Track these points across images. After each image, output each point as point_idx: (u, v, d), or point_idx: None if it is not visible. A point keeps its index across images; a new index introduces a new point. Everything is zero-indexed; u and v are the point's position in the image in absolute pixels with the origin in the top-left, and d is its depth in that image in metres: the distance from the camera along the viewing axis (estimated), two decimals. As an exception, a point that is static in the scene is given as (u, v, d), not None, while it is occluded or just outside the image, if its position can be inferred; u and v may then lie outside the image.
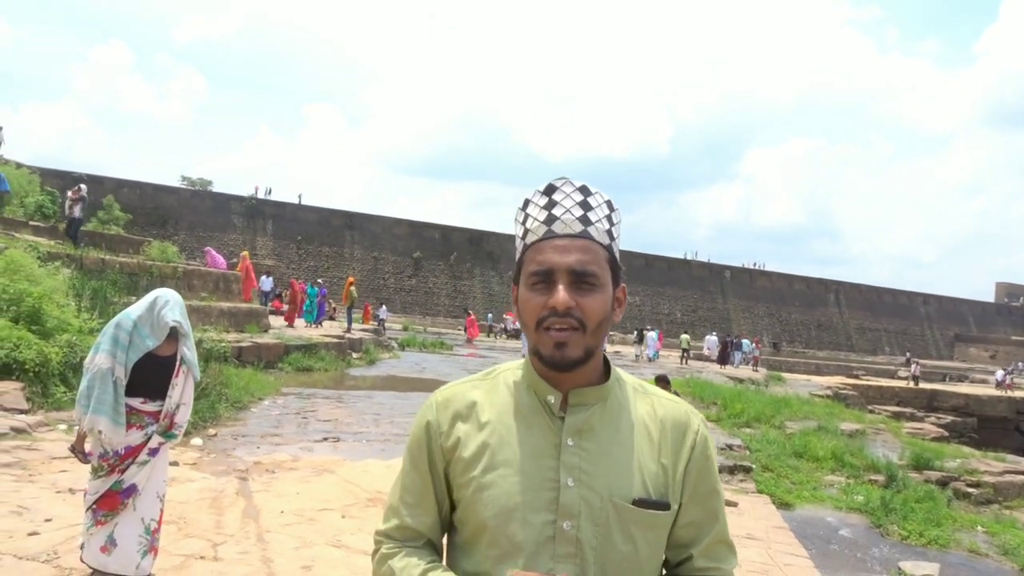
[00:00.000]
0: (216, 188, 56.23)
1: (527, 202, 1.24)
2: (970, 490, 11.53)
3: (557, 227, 1.18)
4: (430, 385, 16.95)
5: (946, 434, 20.07)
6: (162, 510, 3.90)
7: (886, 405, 25.58)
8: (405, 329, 35.60)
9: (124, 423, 3.68)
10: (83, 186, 18.40)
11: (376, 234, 56.45)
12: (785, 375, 30.10)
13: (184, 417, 3.89)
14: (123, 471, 3.72)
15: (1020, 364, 60.22)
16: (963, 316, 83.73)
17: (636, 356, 30.75)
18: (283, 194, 63.50)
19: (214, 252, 21.78)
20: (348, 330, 23.09)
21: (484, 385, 1.28)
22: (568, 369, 1.16)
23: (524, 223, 1.23)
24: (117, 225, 26.54)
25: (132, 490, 3.74)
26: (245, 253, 21.89)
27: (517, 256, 1.25)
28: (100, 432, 3.66)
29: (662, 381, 8.66)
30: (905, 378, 32.84)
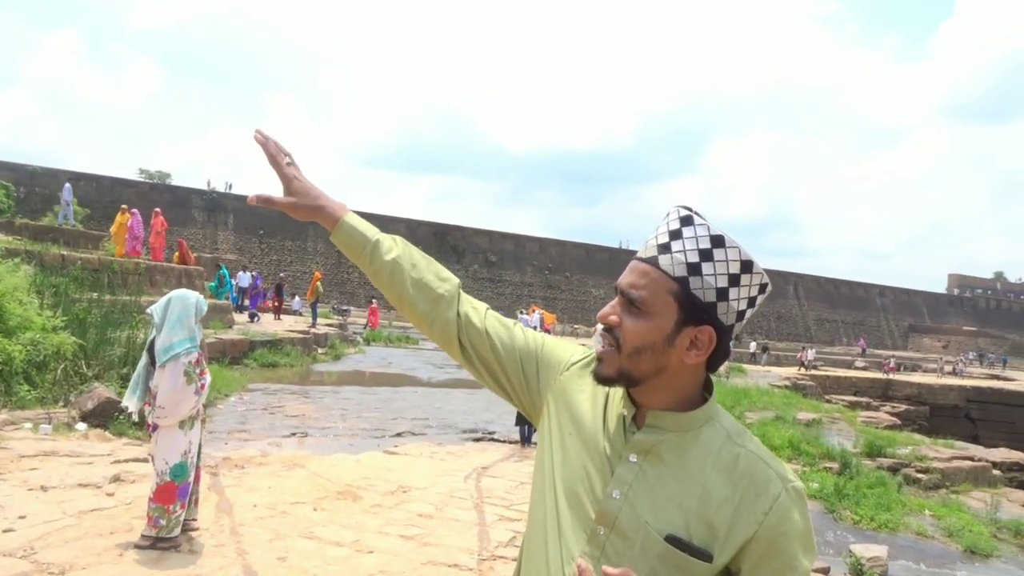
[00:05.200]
0: (174, 181, 55.43)
1: None
2: (920, 476, 11.96)
3: (641, 250, 1.22)
4: (396, 380, 17.04)
5: (899, 422, 20.67)
6: (161, 486, 4.44)
7: (843, 395, 26.25)
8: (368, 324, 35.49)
9: (141, 397, 4.58)
10: None
11: (340, 228, 56.09)
12: (746, 367, 30.68)
13: (159, 400, 4.44)
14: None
15: (971, 354, 62.06)
16: (917, 307, 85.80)
17: None
18: (244, 187, 62.61)
19: (139, 215, 18.91)
20: (313, 325, 23.04)
21: None
22: (603, 383, 1.21)
23: None
24: (75, 220, 26.06)
25: (152, 459, 4.57)
26: (158, 210, 20.76)
27: None
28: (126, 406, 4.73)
29: None
30: (804, 365, 33.79)
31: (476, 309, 1.40)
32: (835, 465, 10.99)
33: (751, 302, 1.19)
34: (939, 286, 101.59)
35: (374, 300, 34.60)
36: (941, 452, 13.65)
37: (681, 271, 1.15)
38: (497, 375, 1.38)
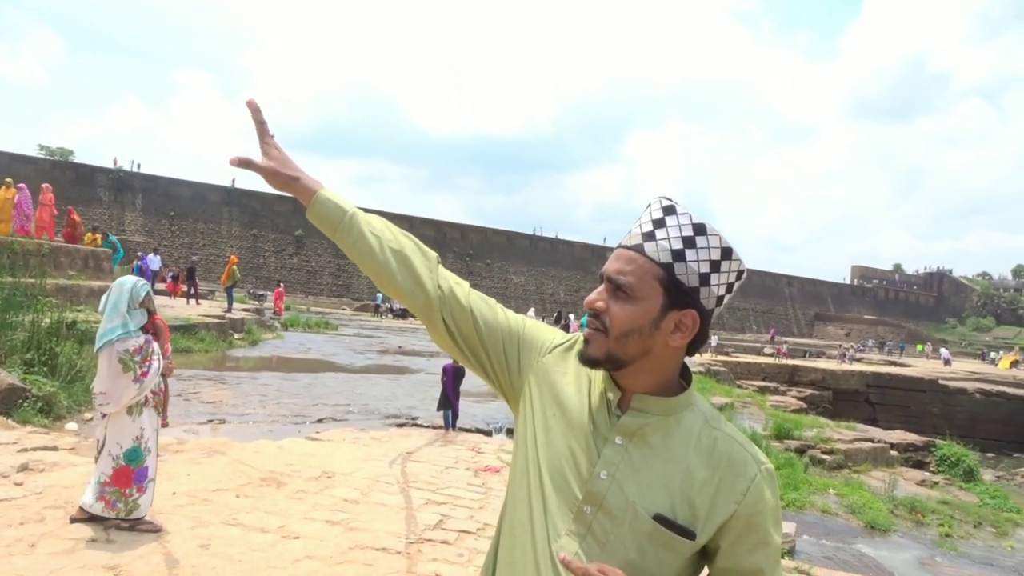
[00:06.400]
0: (78, 158, 52.81)
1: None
2: (824, 457, 12.57)
3: (625, 238, 1.26)
4: (316, 365, 16.77)
5: (805, 406, 21.62)
6: (117, 469, 4.45)
7: (753, 380, 27.23)
8: (288, 309, 34.80)
9: None
10: None
11: (256, 211, 54.67)
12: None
13: (96, 386, 4.50)
14: None
15: (870, 341, 65.29)
16: (822, 297, 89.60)
17: None
18: (153, 167, 60.33)
19: (27, 191, 17.49)
20: (229, 310, 22.43)
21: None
22: (589, 365, 1.24)
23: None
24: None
25: (99, 443, 4.57)
26: (46, 185, 19.41)
27: None
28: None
29: None
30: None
31: (460, 284, 1.42)
32: (747, 447, 11.45)
33: (729, 288, 1.26)
34: (843, 276, 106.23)
35: (280, 284, 33.67)
36: (844, 434, 14.36)
37: (666, 257, 1.21)
38: (479, 353, 1.39)
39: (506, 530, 1.31)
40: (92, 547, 4.25)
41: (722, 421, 1.28)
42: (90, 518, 4.50)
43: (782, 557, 6.55)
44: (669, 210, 1.23)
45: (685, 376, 1.30)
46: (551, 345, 1.38)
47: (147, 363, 4.54)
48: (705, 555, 1.25)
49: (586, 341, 1.23)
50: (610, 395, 1.26)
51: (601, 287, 1.24)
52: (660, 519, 1.18)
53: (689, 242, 1.21)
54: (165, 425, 5.09)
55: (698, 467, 1.21)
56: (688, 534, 1.18)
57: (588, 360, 1.23)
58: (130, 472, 4.49)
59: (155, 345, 4.69)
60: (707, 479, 1.20)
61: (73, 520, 4.52)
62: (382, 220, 1.42)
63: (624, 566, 1.17)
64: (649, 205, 1.27)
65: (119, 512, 4.46)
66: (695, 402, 1.28)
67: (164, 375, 4.88)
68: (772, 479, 1.25)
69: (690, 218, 1.22)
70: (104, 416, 4.53)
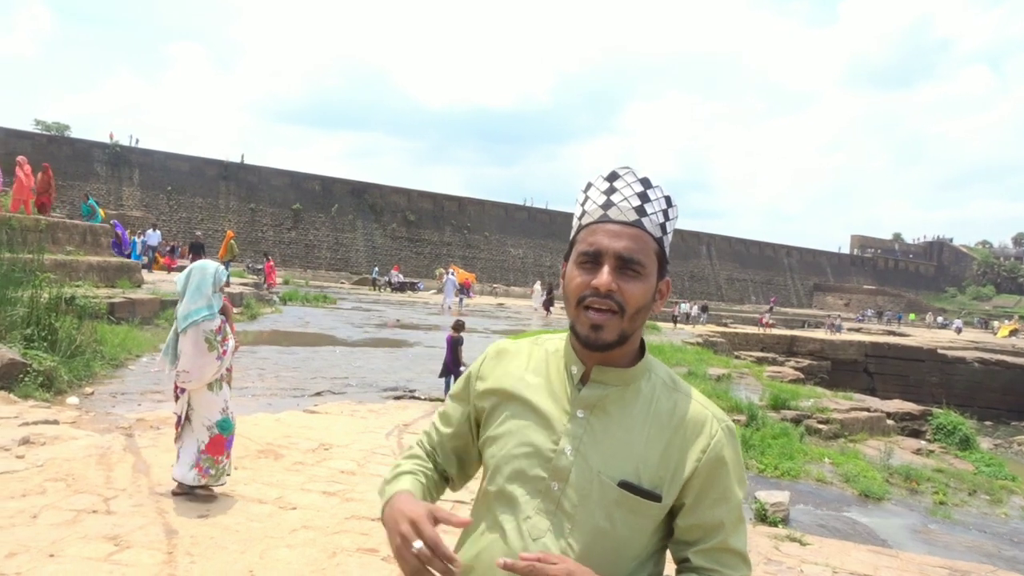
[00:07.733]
0: (74, 133, 52.51)
1: (589, 185, 1.30)
2: (821, 426, 12.64)
3: (613, 213, 1.24)
4: (314, 339, 16.83)
5: (802, 376, 21.67)
6: (212, 438, 4.77)
7: (751, 351, 27.31)
8: (286, 283, 34.84)
9: (171, 361, 4.83)
10: None
11: (253, 185, 54.46)
12: (660, 324, 31.53)
13: (181, 364, 4.75)
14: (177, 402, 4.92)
15: (869, 312, 65.36)
16: (821, 267, 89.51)
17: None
18: (149, 141, 60.00)
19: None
20: (227, 284, 22.47)
21: (530, 348, 1.39)
22: (601, 350, 1.24)
23: (583, 204, 1.30)
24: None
25: (180, 419, 4.86)
26: (22, 158, 18.77)
27: (572, 235, 1.32)
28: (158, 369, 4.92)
29: (458, 326, 10.27)
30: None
31: (429, 435, 1.50)
32: (743, 418, 11.48)
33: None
34: (838, 246, 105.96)
35: (269, 256, 33.22)
36: (840, 404, 14.42)
37: (658, 231, 1.27)
38: (471, 448, 1.46)
39: (472, 535, 1.34)
40: (93, 518, 4.31)
41: (681, 383, 1.33)
42: (190, 491, 4.75)
43: (775, 526, 6.60)
44: (646, 183, 1.27)
45: (641, 345, 1.34)
46: (478, 370, 1.42)
47: (226, 341, 4.86)
48: (672, 515, 1.28)
49: (597, 327, 1.22)
50: (574, 368, 1.29)
51: (607, 268, 1.22)
52: (625, 485, 1.21)
53: (666, 215, 1.28)
54: None
55: (660, 430, 1.25)
56: (654, 497, 1.22)
57: (602, 346, 1.23)
58: (223, 440, 4.83)
59: (227, 325, 4.98)
60: (669, 441, 1.24)
61: (175, 494, 4.78)
62: (399, 467, 1.45)
63: (595, 534, 1.21)
64: (619, 177, 1.28)
65: (210, 479, 4.76)
66: (652, 368, 1.32)
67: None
68: (732, 436, 1.29)
69: (662, 190, 1.28)
70: (183, 392, 4.80)
